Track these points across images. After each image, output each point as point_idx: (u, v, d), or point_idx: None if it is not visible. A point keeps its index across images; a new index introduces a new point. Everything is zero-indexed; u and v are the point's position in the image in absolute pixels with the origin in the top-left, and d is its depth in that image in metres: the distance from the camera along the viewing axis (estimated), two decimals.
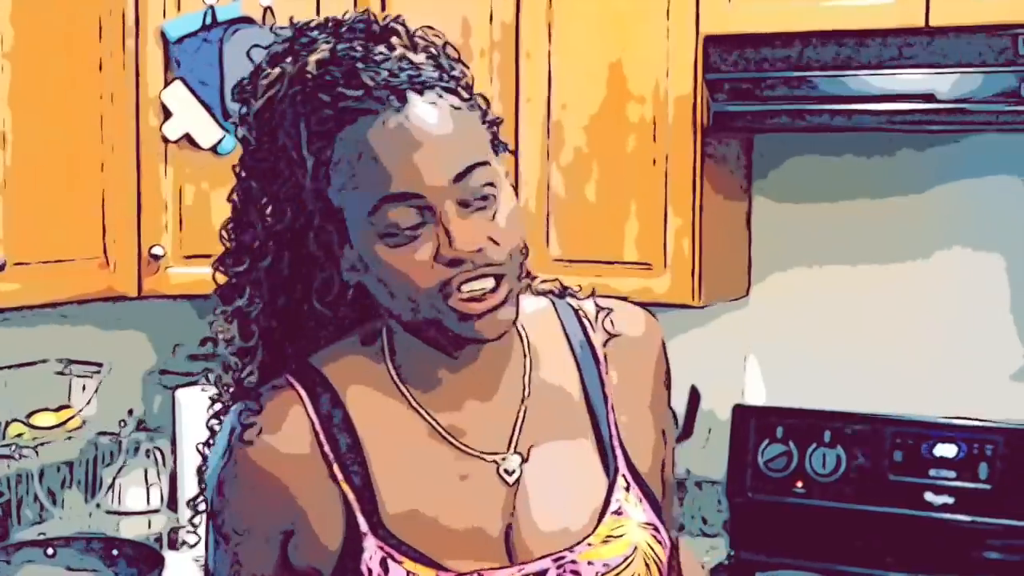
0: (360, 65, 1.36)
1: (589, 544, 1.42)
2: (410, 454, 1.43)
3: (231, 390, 1.50)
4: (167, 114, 3.05)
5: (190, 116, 3.06)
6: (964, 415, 3.09)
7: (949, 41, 2.67)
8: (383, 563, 1.38)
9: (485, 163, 1.37)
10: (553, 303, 1.56)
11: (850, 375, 3.22)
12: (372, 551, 1.39)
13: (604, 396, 1.51)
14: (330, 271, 1.45)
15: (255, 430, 1.43)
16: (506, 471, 1.44)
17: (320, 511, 1.42)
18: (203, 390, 3.14)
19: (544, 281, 1.61)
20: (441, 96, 1.38)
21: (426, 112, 1.36)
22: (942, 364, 3.16)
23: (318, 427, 1.43)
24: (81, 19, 2.93)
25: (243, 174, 1.49)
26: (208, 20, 3.06)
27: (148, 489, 3.22)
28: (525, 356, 1.50)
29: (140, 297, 3.12)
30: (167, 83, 3.06)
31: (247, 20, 3.10)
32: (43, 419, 3.15)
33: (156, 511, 3.25)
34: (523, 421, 1.47)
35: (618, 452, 1.49)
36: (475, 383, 1.46)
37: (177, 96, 3.05)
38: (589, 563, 1.41)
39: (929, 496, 3.06)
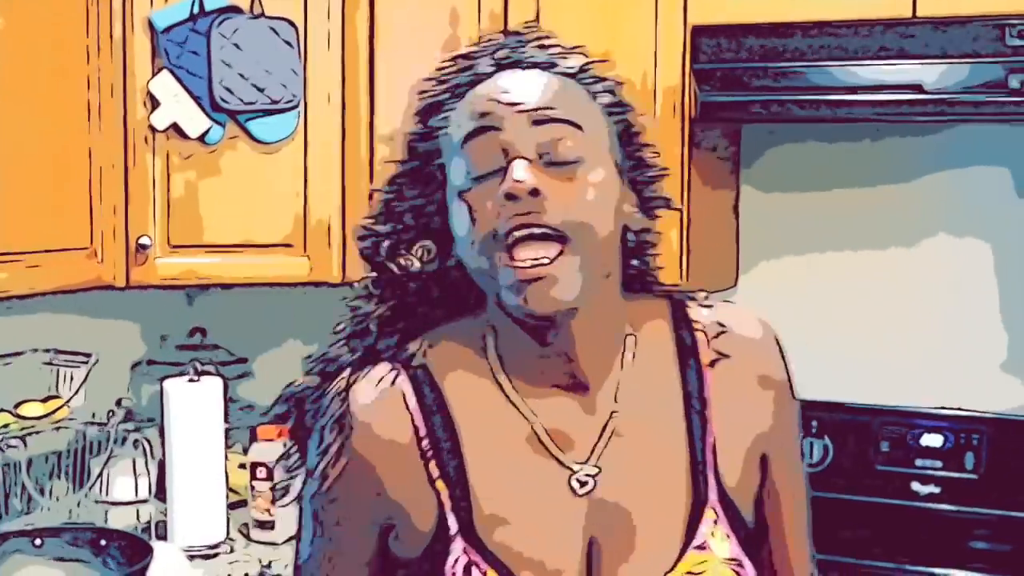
0: (489, 52, 1.46)
1: None
2: (505, 456, 1.43)
3: (335, 369, 1.49)
4: (154, 104, 3.05)
5: (177, 106, 3.05)
6: (951, 405, 3.10)
7: (936, 31, 2.67)
8: (467, 569, 1.39)
9: (575, 127, 1.38)
10: (671, 307, 1.51)
11: (838, 365, 3.23)
12: (458, 554, 1.39)
13: (704, 419, 1.45)
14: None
15: (356, 417, 1.44)
16: (578, 481, 1.42)
17: (415, 504, 1.42)
18: (191, 380, 3.14)
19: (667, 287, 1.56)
20: (554, 73, 1.43)
21: (529, 73, 1.42)
22: (929, 354, 3.17)
23: (418, 417, 1.43)
24: (68, 8, 2.92)
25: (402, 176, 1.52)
26: (195, 9, 3.05)
27: (136, 479, 3.22)
28: (626, 360, 1.46)
29: (128, 287, 3.12)
30: (154, 72, 3.05)
31: (235, 9, 3.09)
32: (31, 409, 3.14)
33: (144, 501, 3.25)
34: (611, 432, 1.43)
35: (711, 481, 1.43)
36: (571, 381, 1.44)
37: (164, 86, 3.04)
38: None
39: (916, 486, 3.07)
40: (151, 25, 3.04)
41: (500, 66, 1.44)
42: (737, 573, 1.41)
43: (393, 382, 1.45)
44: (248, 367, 3.65)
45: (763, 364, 1.51)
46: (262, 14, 3.10)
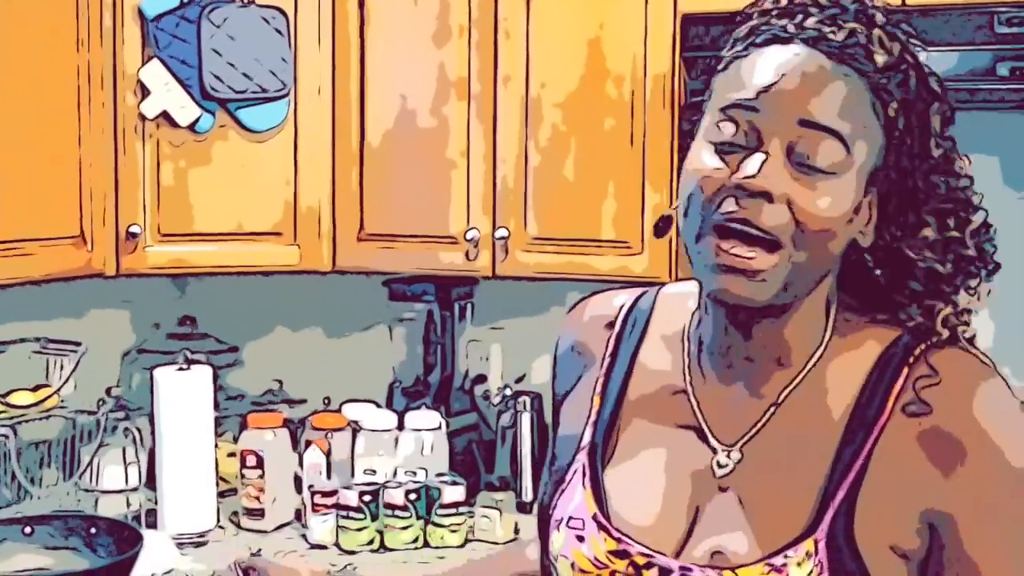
0: (788, 14, 1.39)
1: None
2: (657, 412, 1.47)
3: None
4: (144, 92, 3.05)
5: (168, 94, 3.05)
6: None
7: (925, 19, 2.67)
8: (573, 481, 1.45)
9: (839, 140, 1.31)
10: (898, 335, 1.40)
11: None
12: (577, 466, 1.46)
13: (856, 455, 1.34)
14: None
15: (584, 312, 1.60)
16: (718, 464, 1.40)
17: (579, 403, 1.53)
18: (181, 369, 3.14)
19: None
20: (841, 67, 1.34)
21: (816, 61, 1.34)
22: None
23: (614, 339, 1.54)
24: None
25: None
26: None
27: (126, 468, 3.22)
28: (799, 375, 1.40)
29: (118, 275, 3.12)
30: (145, 61, 3.05)
31: None
32: (21, 398, 3.14)
33: (134, 490, 3.25)
34: (762, 427, 1.40)
35: (827, 517, 1.32)
36: (748, 367, 1.42)
37: (155, 74, 3.04)
38: None
39: None
40: (141, 13, 3.04)
41: (783, 39, 1.37)
42: None
43: (620, 304, 1.56)
44: (238, 356, 3.65)
45: (964, 428, 1.33)
46: (252, 2, 3.10)
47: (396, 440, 3.20)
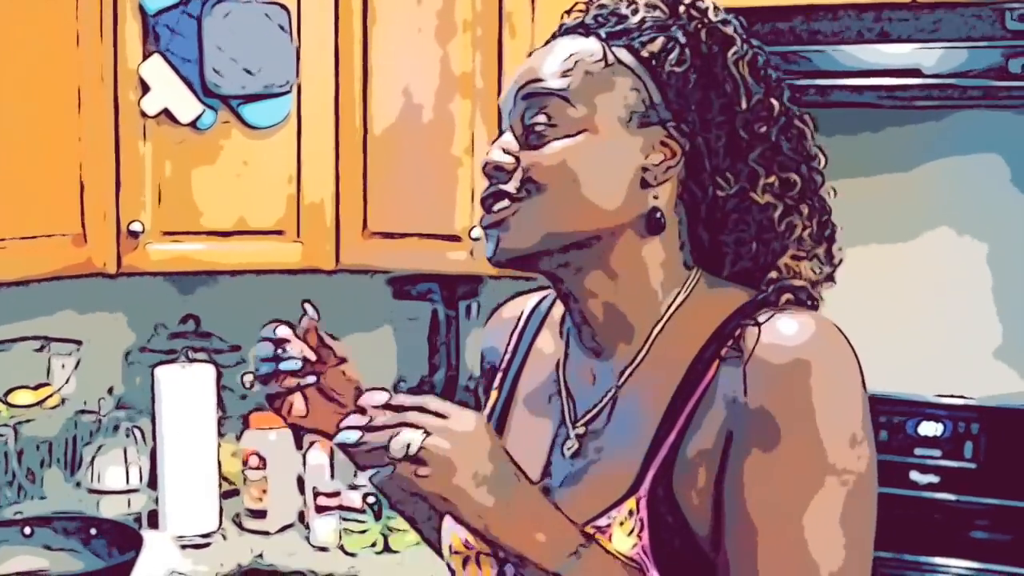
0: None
1: None
2: (538, 397, 1.56)
3: None
4: (145, 88, 3.02)
5: (169, 91, 3.02)
6: (948, 393, 3.08)
7: (936, 15, 2.64)
8: None
9: (554, 95, 1.41)
10: (745, 301, 1.43)
11: None
12: None
13: (678, 412, 1.37)
14: None
15: (501, 308, 1.75)
16: (566, 437, 1.49)
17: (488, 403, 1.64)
18: (183, 368, 3.12)
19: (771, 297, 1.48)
20: (575, 39, 1.46)
21: (552, 44, 1.48)
22: (926, 342, 3.15)
23: (514, 339, 1.66)
24: None
25: None
26: None
27: (127, 468, 3.20)
28: (642, 349, 1.45)
29: (119, 274, 3.09)
30: (145, 57, 3.02)
31: None
32: (21, 397, 3.12)
33: (136, 490, 3.23)
34: (607, 404, 1.46)
35: (649, 474, 1.35)
36: (594, 347, 1.50)
37: (155, 70, 3.01)
38: None
39: (915, 475, 3.05)
40: (142, 8, 3.01)
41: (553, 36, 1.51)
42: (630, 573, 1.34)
43: (531, 304, 1.69)
44: (241, 355, 3.63)
45: (770, 369, 1.33)
46: None
47: None
